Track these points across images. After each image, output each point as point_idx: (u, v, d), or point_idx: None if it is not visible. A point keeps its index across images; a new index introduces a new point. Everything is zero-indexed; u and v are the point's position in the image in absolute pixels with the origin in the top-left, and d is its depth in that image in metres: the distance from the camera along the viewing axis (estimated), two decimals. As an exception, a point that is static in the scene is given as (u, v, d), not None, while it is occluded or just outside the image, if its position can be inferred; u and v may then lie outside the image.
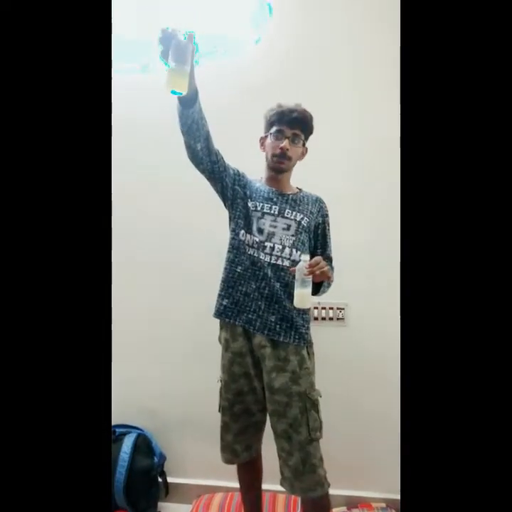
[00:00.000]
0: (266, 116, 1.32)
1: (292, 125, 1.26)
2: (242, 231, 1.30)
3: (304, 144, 1.33)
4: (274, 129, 1.29)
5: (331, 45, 1.71)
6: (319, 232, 1.38)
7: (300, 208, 1.33)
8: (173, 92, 1.05)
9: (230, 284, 1.29)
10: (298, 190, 1.39)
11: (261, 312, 1.26)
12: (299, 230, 1.30)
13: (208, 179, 1.30)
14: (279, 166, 1.30)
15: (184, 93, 1.06)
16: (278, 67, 1.72)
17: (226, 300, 1.29)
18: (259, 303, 1.26)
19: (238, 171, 1.36)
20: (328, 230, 1.41)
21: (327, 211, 1.40)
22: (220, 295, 1.31)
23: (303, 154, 1.36)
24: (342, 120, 1.71)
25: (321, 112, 1.62)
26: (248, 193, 1.33)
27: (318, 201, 1.38)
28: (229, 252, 1.32)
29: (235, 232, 1.32)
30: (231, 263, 1.31)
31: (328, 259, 1.39)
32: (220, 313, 1.30)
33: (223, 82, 1.75)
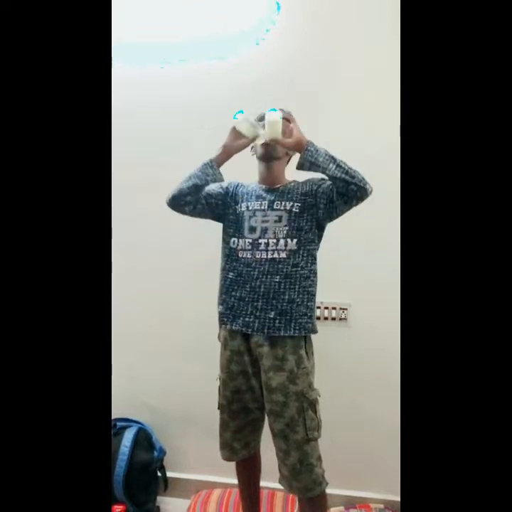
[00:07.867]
0: None
1: None
2: (233, 239, 1.33)
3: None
4: None
5: (333, 45, 1.67)
6: (321, 190, 1.27)
7: (289, 196, 1.31)
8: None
9: (223, 290, 1.34)
10: (291, 182, 1.37)
11: (258, 312, 1.26)
12: (292, 217, 1.28)
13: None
14: (267, 149, 1.29)
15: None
16: (278, 65, 1.70)
17: (221, 307, 1.34)
18: (256, 303, 1.27)
19: (229, 185, 1.40)
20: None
21: (319, 179, 1.30)
22: (218, 303, 1.36)
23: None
24: (343, 119, 1.69)
25: (321, 111, 1.61)
26: (238, 198, 1.37)
27: (308, 181, 1.33)
28: (222, 260, 1.37)
29: (225, 241, 1.37)
30: (223, 271, 1.35)
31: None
32: (219, 319, 1.35)
33: (221, 78, 1.74)
